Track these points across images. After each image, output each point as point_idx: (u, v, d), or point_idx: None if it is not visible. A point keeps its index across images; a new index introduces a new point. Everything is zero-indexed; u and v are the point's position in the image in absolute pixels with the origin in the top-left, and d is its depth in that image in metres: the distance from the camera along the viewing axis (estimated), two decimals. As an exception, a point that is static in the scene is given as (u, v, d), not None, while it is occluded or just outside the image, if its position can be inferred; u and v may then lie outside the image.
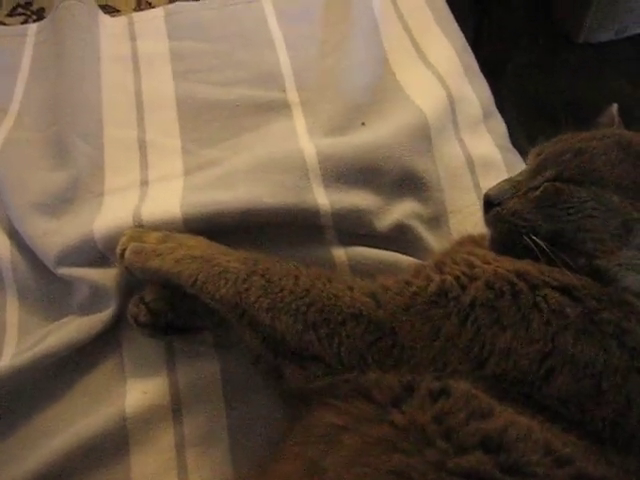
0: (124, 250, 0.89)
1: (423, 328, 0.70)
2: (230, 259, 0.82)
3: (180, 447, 0.88)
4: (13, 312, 1.00)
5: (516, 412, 0.64)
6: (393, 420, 0.64)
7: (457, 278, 0.73)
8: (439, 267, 0.78)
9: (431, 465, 0.59)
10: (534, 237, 0.76)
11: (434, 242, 1.02)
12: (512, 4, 2.32)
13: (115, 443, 0.87)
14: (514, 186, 0.85)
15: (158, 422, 0.89)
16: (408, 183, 1.04)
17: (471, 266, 0.75)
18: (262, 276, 0.79)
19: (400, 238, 1.01)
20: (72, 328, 0.93)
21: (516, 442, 0.60)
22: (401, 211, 1.02)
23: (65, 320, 0.96)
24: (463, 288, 0.72)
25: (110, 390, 0.92)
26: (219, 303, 0.80)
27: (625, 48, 2.25)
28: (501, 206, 0.83)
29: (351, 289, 0.76)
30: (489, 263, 0.76)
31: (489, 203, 0.86)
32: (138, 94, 1.20)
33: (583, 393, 0.65)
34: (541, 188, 0.80)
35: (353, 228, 1.00)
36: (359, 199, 1.00)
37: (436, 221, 1.05)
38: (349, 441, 0.64)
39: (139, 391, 0.91)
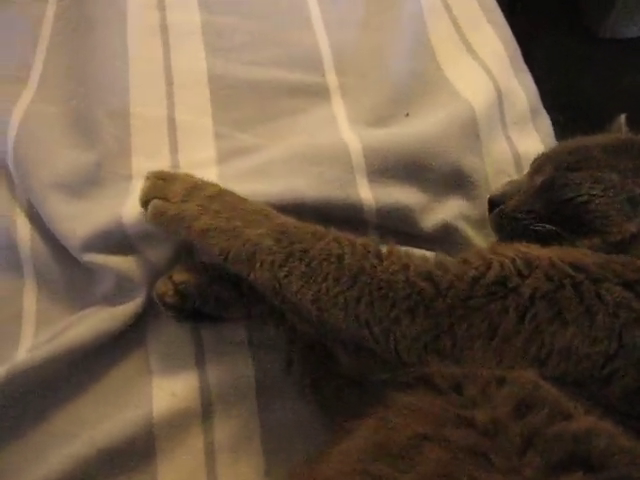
0: (147, 201, 0.83)
1: (481, 326, 0.65)
2: (261, 232, 0.75)
3: (210, 453, 0.83)
4: (31, 301, 0.93)
5: (585, 411, 0.60)
6: (474, 420, 0.59)
7: (513, 261, 0.69)
8: (494, 250, 0.73)
9: None
10: (539, 224, 0.78)
11: (481, 244, 0.97)
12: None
13: (141, 449, 0.81)
14: (516, 187, 0.88)
15: (187, 427, 0.84)
16: (455, 181, 1.00)
17: (522, 251, 0.71)
18: (301, 260, 0.71)
19: (446, 239, 0.97)
20: (96, 320, 0.87)
21: (608, 454, 0.55)
22: (448, 210, 0.98)
23: (88, 311, 0.89)
24: (522, 277, 0.67)
25: (135, 390, 0.86)
26: (255, 283, 0.74)
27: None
28: (505, 204, 0.86)
29: (406, 268, 0.69)
30: (540, 250, 0.72)
31: (493, 204, 0.89)
32: (167, 69, 1.11)
33: None
34: (540, 182, 0.83)
35: (397, 226, 0.95)
36: (405, 196, 0.96)
37: (483, 222, 1.00)
38: (432, 454, 0.58)
39: (167, 392, 0.85)
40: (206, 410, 0.84)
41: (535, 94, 1.17)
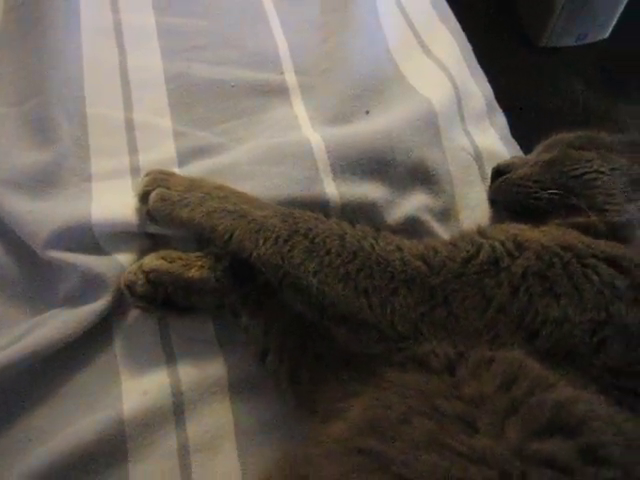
0: (147, 192, 0.86)
1: (475, 298, 0.68)
2: (266, 214, 0.79)
3: (184, 453, 0.81)
4: None
5: (569, 384, 0.62)
6: (462, 393, 0.61)
7: (503, 244, 0.72)
8: (482, 233, 0.76)
9: (510, 450, 0.55)
10: (546, 192, 0.82)
11: (446, 236, 0.98)
12: (476, 6, 2.33)
13: (112, 450, 0.79)
14: (523, 161, 0.93)
15: (160, 425, 0.82)
16: (418, 175, 1.01)
17: (512, 234, 0.74)
18: (305, 236, 0.76)
19: (411, 232, 0.97)
20: (59, 322, 0.83)
21: (587, 420, 0.57)
22: (412, 204, 0.99)
23: (50, 313, 0.86)
24: (513, 258, 0.70)
25: (104, 391, 0.84)
26: (258, 261, 0.77)
27: (583, 54, 2.30)
28: (511, 173, 0.90)
29: (400, 250, 0.73)
30: (530, 232, 0.75)
31: (498, 173, 0.93)
32: (123, 70, 1.09)
33: (635, 362, 0.64)
34: (550, 156, 0.87)
35: (363, 221, 0.94)
36: (370, 191, 0.96)
37: (446, 215, 1.02)
38: (420, 423, 0.59)
39: (138, 392, 0.83)
40: (178, 408, 0.83)
41: (489, 91, 1.19)
